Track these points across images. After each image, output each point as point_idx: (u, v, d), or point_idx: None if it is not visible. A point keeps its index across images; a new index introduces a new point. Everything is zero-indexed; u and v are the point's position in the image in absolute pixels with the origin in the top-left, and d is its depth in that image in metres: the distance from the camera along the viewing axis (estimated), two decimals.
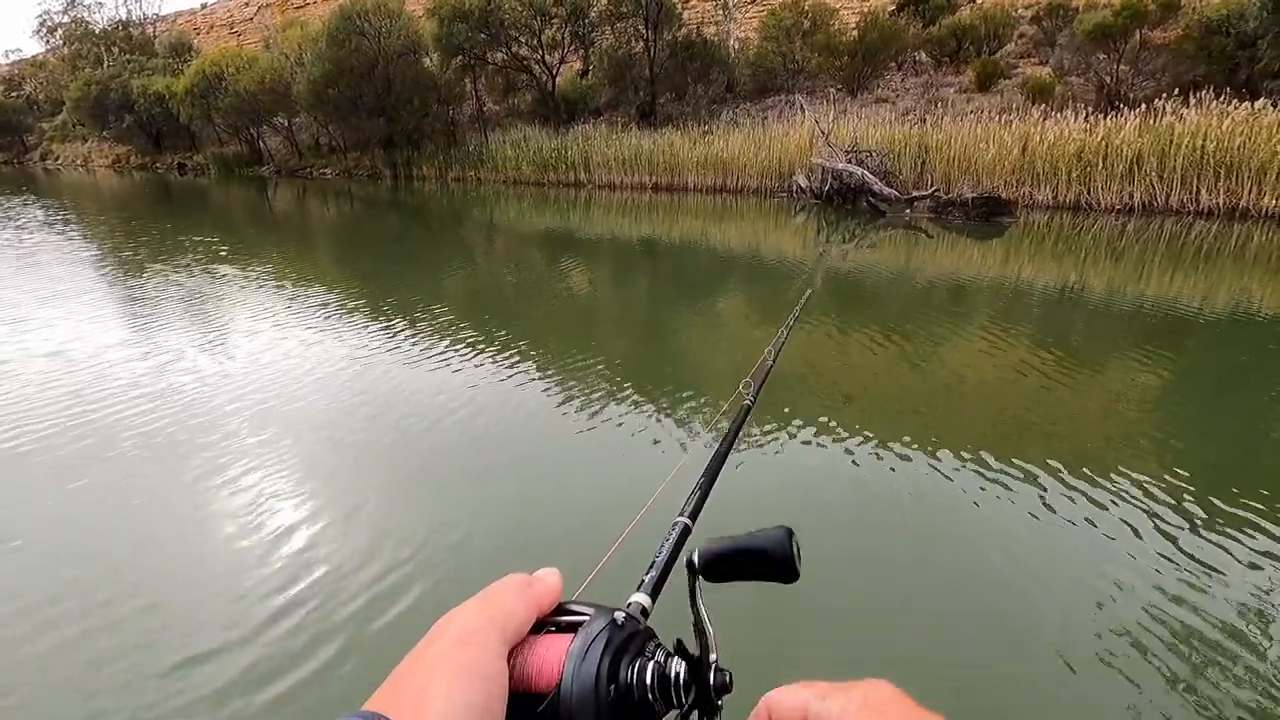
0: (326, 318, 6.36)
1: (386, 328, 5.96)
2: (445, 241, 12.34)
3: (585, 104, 23.41)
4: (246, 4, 47.28)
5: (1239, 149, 10.91)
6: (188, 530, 3.00)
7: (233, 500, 3.21)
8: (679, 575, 0.49)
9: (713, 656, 0.43)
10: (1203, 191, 11.30)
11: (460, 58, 22.46)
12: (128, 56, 36.48)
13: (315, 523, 3.03)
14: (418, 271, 9.01)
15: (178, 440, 3.80)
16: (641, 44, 20.67)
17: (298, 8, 42.77)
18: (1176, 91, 12.44)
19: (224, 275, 8.54)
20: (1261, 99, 11.39)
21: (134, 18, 42.53)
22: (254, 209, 18.67)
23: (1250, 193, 10.89)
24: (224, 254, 10.15)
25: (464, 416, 4.10)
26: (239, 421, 4.03)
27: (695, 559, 0.46)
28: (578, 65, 24.97)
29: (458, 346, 5.39)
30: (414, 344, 5.48)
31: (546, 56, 22.34)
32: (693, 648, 0.43)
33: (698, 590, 0.46)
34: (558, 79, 23.06)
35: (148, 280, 8.27)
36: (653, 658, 0.41)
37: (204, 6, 51.50)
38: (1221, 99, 11.72)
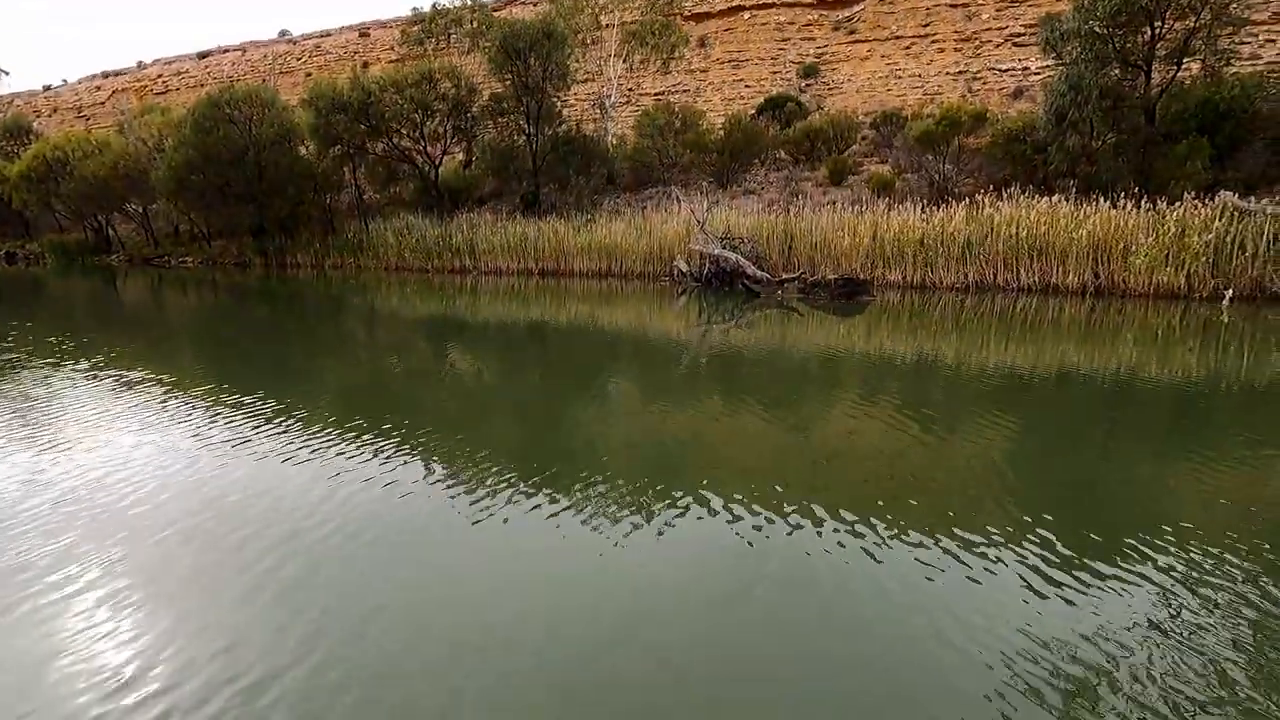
0: (179, 417, 5.81)
1: (254, 427, 5.52)
2: (320, 330, 11.79)
3: (469, 193, 23.70)
4: (98, 88, 44.75)
5: (1044, 235, 12.77)
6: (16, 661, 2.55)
7: (63, 629, 2.77)
8: None
9: None
10: (1022, 271, 13.04)
11: (338, 147, 22.24)
12: None
13: (158, 651, 2.66)
14: (286, 363, 8.50)
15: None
16: (524, 138, 21.45)
17: (158, 94, 41.01)
18: (992, 187, 14.47)
19: (57, 375, 7.64)
20: (1056, 195, 13.49)
21: None
22: (99, 300, 17.04)
23: (1057, 271, 12.69)
24: (51, 347, 9.11)
25: (341, 519, 3.82)
26: (68, 535, 3.53)
27: None
28: (461, 156, 25.42)
29: (331, 441, 5.08)
30: (283, 443, 5.11)
31: (429, 147, 22.59)
32: None
33: None
34: (440, 169, 23.30)
35: None
36: None
37: (47, 89, 48.14)
38: (1026, 194, 13.76)
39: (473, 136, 23.12)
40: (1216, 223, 11.32)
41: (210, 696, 2.37)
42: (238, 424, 5.50)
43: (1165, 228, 11.69)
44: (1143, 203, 12.29)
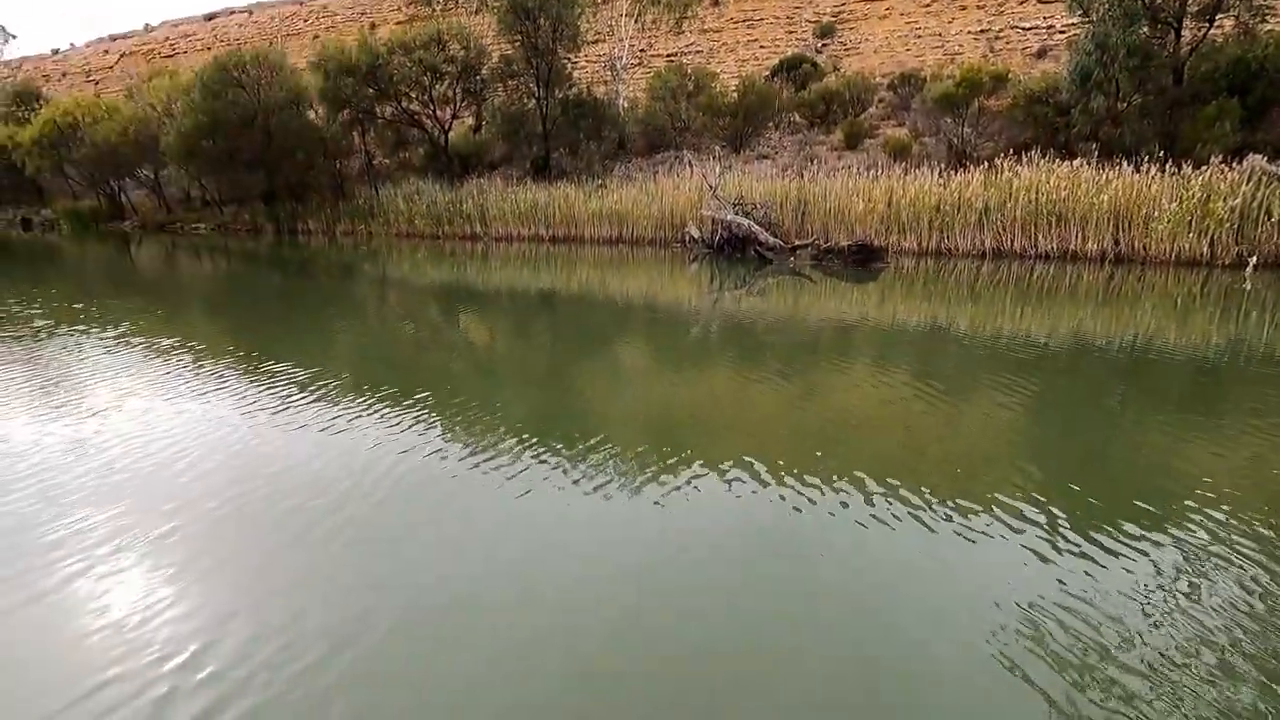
0: (214, 385, 5.96)
1: (289, 395, 5.66)
2: (338, 298, 11.89)
3: (479, 158, 23.51)
4: (106, 52, 44.34)
5: (1064, 200, 12.58)
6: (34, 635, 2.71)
7: (119, 601, 2.93)
8: None
9: None
10: (1040, 237, 12.88)
11: (347, 111, 22.05)
12: None
13: (187, 627, 2.81)
14: (309, 331, 8.61)
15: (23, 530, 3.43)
16: (534, 101, 21.15)
17: (165, 57, 40.61)
18: (1011, 151, 14.21)
19: (88, 341, 7.80)
20: (1078, 159, 13.23)
21: None
22: (117, 266, 17.21)
23: (1077, 238, 12.53)
24: (78, 313, 9.27)
25: (385, 491, 3.95)
26: (118, 505, 3.68)
27: None
28: (470, 120, 25.13)
29: (366, 410, 5.21)
30: (320, 410, 5.24)
31: (438, 111, 22.34)
32: None
33: None
34: (450, 133, 23.08)
35: None
36: None
37: (56, 53, 47.76)
38: (1047, 158, 13.51)
39: (482, 100, 22.83)
40: (1243, 187, 11.10)
41: (269, 678, 2.44)
42: (273, 391, 5.63)
43: (1190, 193, 11.47)
44: (1167, 167, 12.04)
